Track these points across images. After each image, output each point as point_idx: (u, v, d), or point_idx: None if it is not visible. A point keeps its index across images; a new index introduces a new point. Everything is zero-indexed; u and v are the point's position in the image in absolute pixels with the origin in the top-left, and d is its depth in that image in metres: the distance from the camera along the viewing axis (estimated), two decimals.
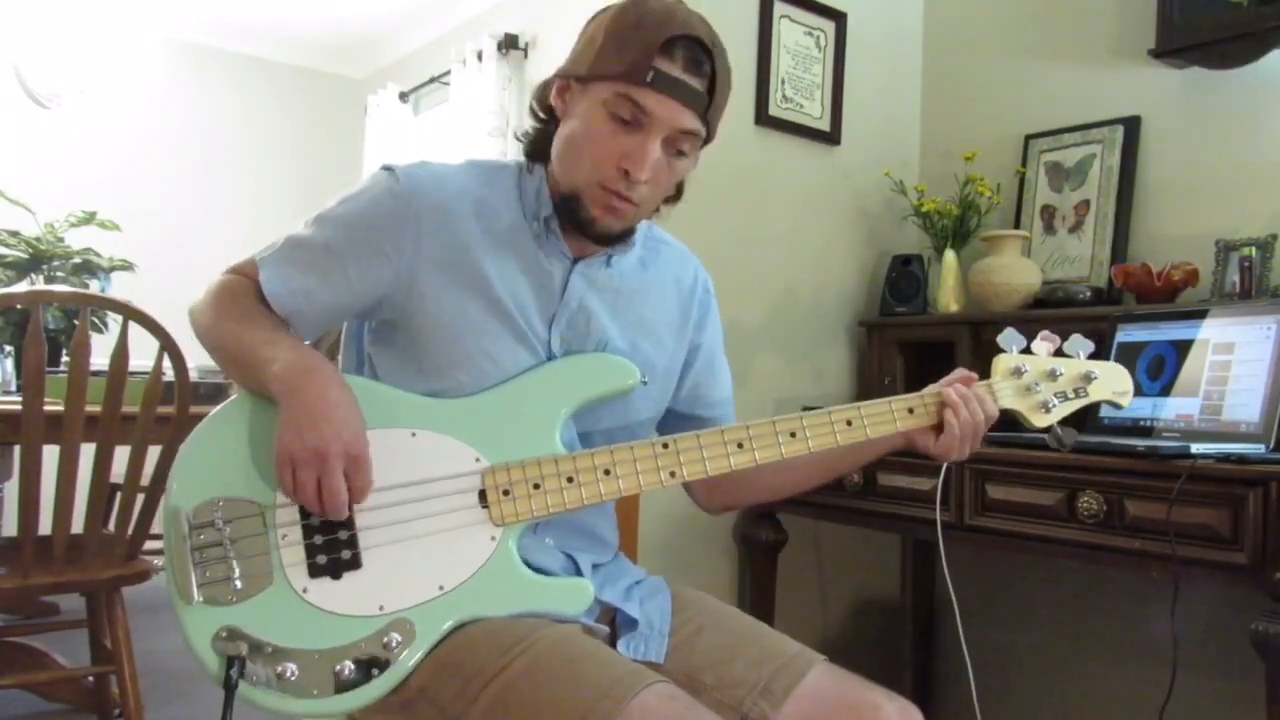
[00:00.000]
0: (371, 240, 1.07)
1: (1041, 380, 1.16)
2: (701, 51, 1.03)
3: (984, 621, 2.36)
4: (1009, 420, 1.92)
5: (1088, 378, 1.17)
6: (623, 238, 1.11)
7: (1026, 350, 1.17)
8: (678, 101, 1.02)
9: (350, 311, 1.12)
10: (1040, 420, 1.16)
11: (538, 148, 1.13)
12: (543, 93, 1.13)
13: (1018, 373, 1.16)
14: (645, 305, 1.19)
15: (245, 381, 1.05)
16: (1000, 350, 1.18)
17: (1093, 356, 1.18)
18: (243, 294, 1.10)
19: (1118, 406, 1.20)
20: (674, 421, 1.25)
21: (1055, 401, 1.16)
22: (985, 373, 1.19)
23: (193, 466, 1.03)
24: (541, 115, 1.13)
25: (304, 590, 0.99)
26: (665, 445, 1.07)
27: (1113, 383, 1.19)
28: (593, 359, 1.12)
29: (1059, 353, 1.18)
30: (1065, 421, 1.18)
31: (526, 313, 1.10)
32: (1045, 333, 1.18)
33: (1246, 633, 1.37)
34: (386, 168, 1.11)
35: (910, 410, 1.14)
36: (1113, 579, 2.14)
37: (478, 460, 1.04)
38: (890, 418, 1.13)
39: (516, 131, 1.18)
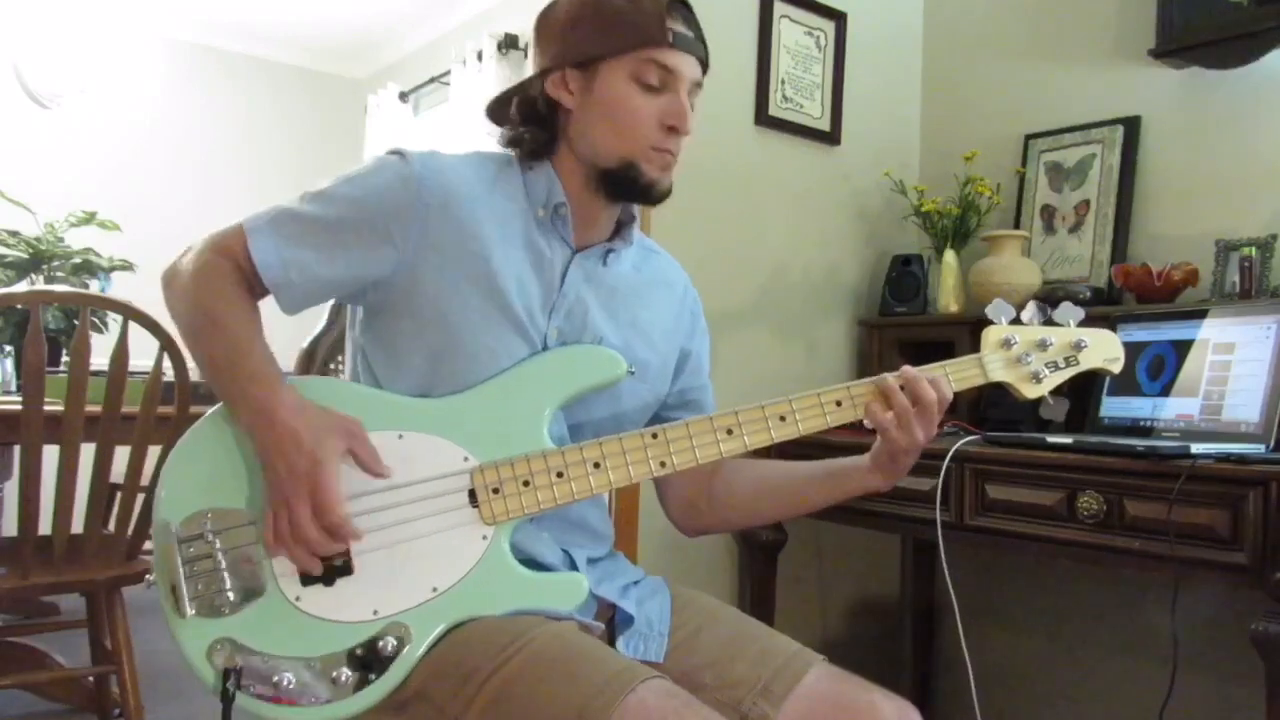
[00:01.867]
0: (380, 224, 1.06)
1: (1031, 351, 1.15)
2: (689, 9, 1.12)
3: (984, 621, 2.36)
4: (1008, 420, 1.93)
5: (1078, 346, 1.16)
6: (668, 194, 1.15)
7: (1016, 321, 1.16)
8: (692, 55, 1.10)
9: (344, 290, 1.10)
10: (1031, 391, 1.15)
11: (541, 146, 1.13)
12: (528, 93, 1.13)
13: (1007, 344, 1.15)
14: (639, 307, 1.19)
15: (213, 390, 1.06)
16: (989, 322, 1.17)
17: (1083, 325, 1.17)
18: (222, 283, 1.06)
19: (1109, 373, 1.18)
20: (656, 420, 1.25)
21: (1046, 372, 1.15)
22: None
23: (180, 479, 1.03)
24: (541, 113, 1.12)
25: (297, 598, 0.99)
26: (655, 435, 1.07)
27: (1103, 350, 1.17)
28: (579, 350, 1.11)
29: (1049, 322, 1.17)
30: (1057, 391, 1.16)
31: (529, 303, 1.10)
32: (1034, 301, 1.17)
33: (1246, 633, 1.36)
34: (396, 152, 1.10)
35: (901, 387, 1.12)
36: (1113, 579, 2.14)
37: (466, 459, 1.04)
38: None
39: (500, 139, 1.18)
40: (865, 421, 1.12)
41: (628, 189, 1.12)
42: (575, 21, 1.09)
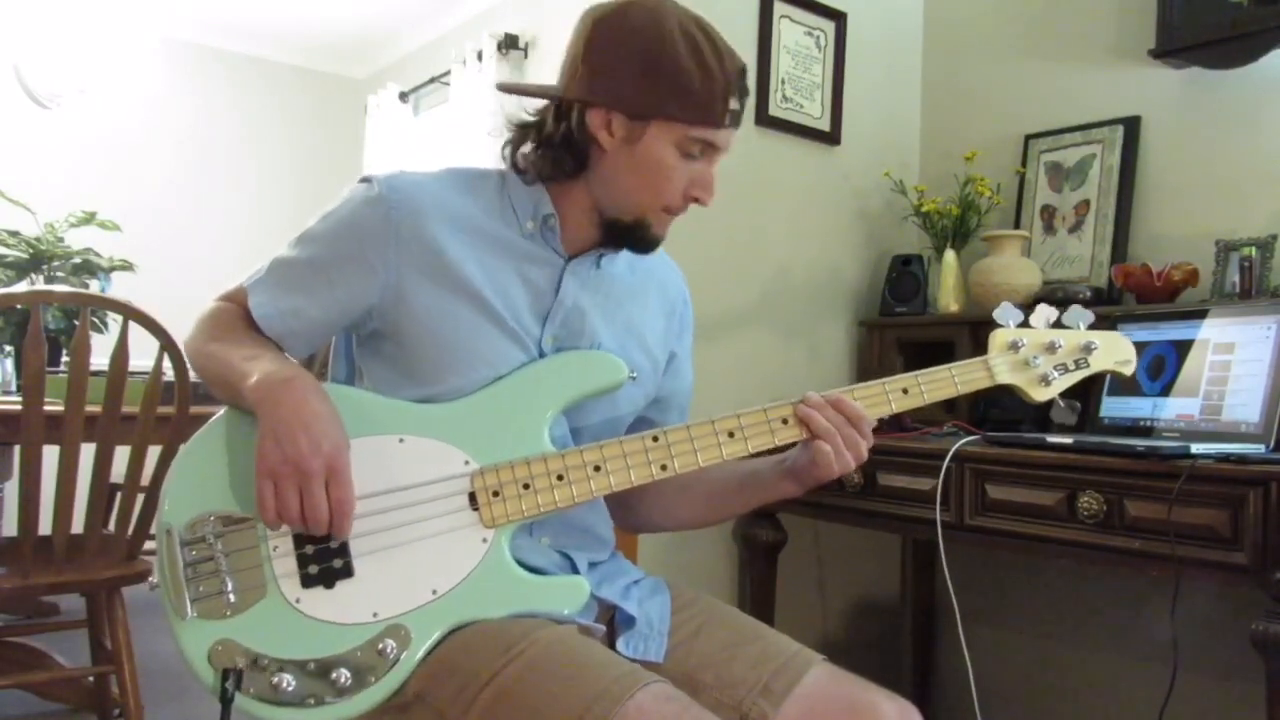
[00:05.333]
0: (355, 252, 1.07)
1: (1040, 353, 1.14)
2: (745, 79, 1.10)
3: (984, 621, 2.36)
4: (1009, 419, 1.93)
5: (1088, 348, 1.15)
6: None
7: (1024, 324, 1.15)
8: (736, 128, 1.10)
9: (340, 325, 1.12)
10: (1040, 394, 1.14)
11: (565, 172, 1.10)
12: (565, 114, 1.09)
13: (1014, 347, 1.14)
14: (633, 308, 1.19)
15: (228, 399, 1.06)
16: (990, 322, 1.16)
17: (1093, 328, 1.16)
18: (229, 318, 1.11)
19: (1121, 375, 1.17)
20: None
21: (1055, 374, 1.14)
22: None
23: (183, 482, 1.04)
24: (574, 140, 1.09)
25: (297, 600, 0.99)
26: (655, 439, 1.07)
27: (1114, 352, 1.17)
28: (581, 356, 1.11)
29: (1058, 324, 1.15)
30: (1068, 394, 1.15)
31: (518, 312, 1.10)
32: (1043, 304, 1.16)
33: (1246, 633, 1.36)
34: (364, 179, 1.11)
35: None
36: (1113, 579, 2.14)
37: (467, 463, 1.04)
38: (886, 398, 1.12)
39: (518, 156, 1.14)
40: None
41: (630, 241, 1.13)
42: (639, 68, 1.04)
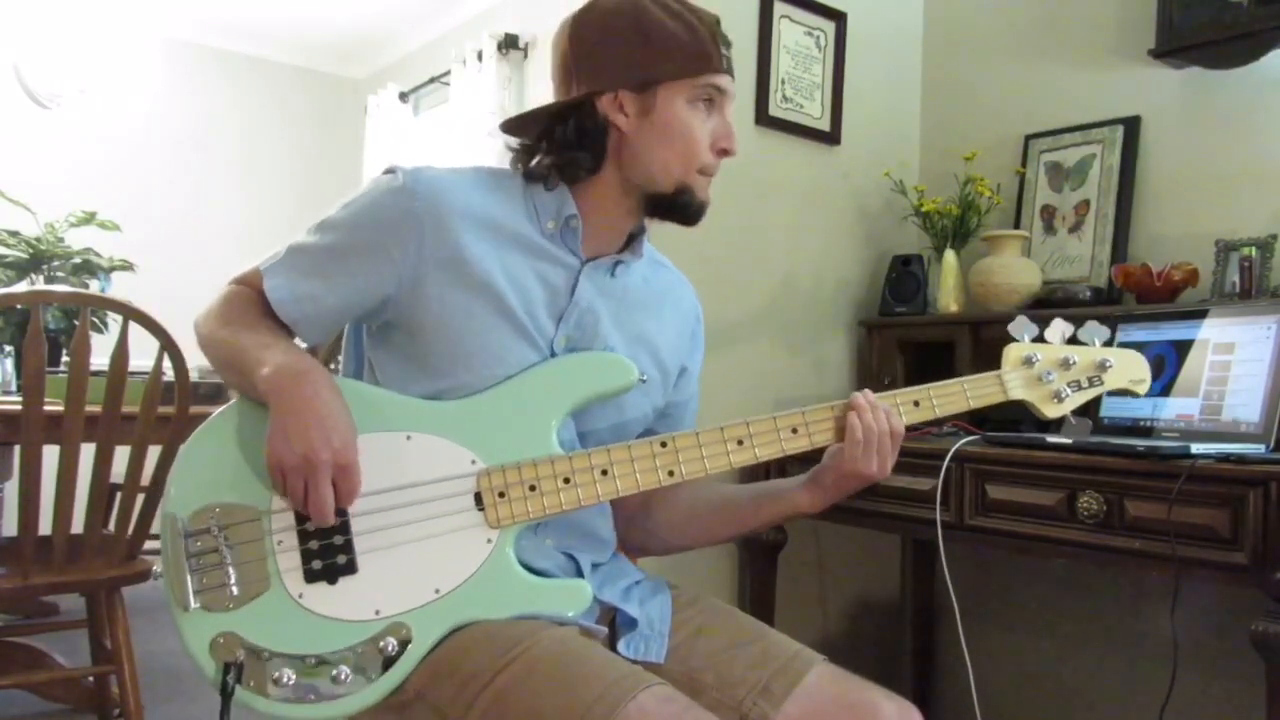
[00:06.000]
0: (376, 241, 1.07)
1: (1054, 369, 1.13)
2: (723, 28, 1.15)
3: (984, 621, 2.36)
4: (1009, 419, 1.93)
5: (1102, 366, 1.14)
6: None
7: (1039, 338, 1.14)
8: (733, 76, 1.14)
9: (355, 313, 1.11)
10: (1052, 411, 1.13)
11: (590, 169, 1.11)
12: (581, 116, 1.10)
13: (1029, 362, 1.14)
14: (646, 320, 1.19)
15: (239, 387, 1.06)
16: (1012, 339, 1.15)
17: (1107, 344, 1.15)
18: (243, 302, 1.10)
19: (1134, 395, 1.16)
20: None
21: (1068, 391, 1.13)
22: (989, 369, 1.17)
23: (189, 473, 1.03)
24: (593, 136, 1.10)
25: (300, 596, 0.99)
26: (664, 444, 1.07)
27: (1129, 371, 1.16)
28: (591, 357, 1.11)
29: (1073, 340, 1.15)
30: (1079, 411, 1.15)
31: (534, 310, 1.09)
32: (1058, 320, 1.15)
33: (1246, 633, 1.37)
34: (389, 170, 1.10)
35: (915, 403, 1.12)
36: (1113, 579, 2.14)
37: (474, 462, 1.04)
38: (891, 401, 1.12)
39: (531, 168, 1.14)
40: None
41: (678, 211, 1.13)
42: (629, 43, 1.08)
